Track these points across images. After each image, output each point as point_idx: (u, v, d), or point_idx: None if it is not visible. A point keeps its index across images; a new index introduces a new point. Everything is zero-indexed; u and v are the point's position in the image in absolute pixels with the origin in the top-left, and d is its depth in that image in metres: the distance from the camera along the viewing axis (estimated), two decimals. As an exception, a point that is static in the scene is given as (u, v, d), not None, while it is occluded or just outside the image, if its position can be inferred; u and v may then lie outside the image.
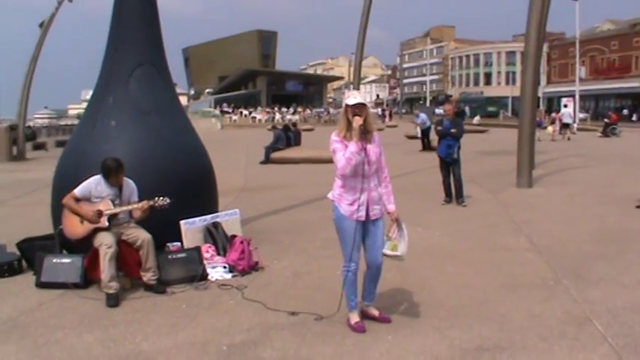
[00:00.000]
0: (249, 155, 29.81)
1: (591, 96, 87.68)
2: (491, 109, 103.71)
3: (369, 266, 6.67)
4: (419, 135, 33.95)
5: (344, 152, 6.26)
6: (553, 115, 45.52)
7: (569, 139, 40.19)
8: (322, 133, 52.61)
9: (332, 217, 6.59)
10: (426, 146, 32.01)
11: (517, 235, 11.11)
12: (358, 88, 35.65)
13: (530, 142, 17.65)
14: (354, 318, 6.65)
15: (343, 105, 6.47)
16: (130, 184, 8.16)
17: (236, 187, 18.20)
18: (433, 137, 27.26)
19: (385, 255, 6.68)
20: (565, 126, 42.28)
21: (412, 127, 41.18)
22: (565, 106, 54.09)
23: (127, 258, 8.00)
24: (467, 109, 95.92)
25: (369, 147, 6.36)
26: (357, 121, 6.24)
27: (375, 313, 6.90)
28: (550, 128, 41.45)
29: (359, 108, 6.31)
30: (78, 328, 6.72)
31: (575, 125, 46.46)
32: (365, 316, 6.85)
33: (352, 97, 6.39)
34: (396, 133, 49.52)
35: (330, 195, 6.59)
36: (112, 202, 7.94)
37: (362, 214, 6.42)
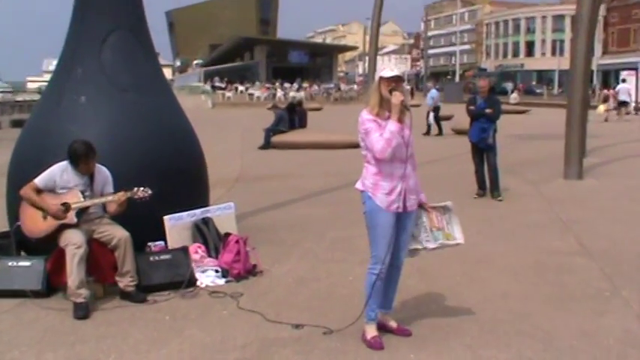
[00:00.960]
0: (245, 139, 29.83)
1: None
2: (507, 84, 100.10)
3: (391, 265, 6.64)
4: (430, 120, 33.27)
5: (380, 132, 6.28)
6: (606, 91, 45.06)
7: (624, 119, 40.21)
8: (332, 114, 52.73)
9: (363, 210, 6.57)
10: (429, 131, 32.06)
11: (565, 236, 11.09)
12: (375, 60, 35.70)
13: (580, 125, 17.53)
14: (372, 332, 6.62)
15: (376, 78, 6.50)
16: (103, 172, 8.12)
17: (230, 176, 18.22)
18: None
19: (442, 246, 6.87)
20: (621, 104, 42.42)
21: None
22: (623, 80, 53.50)
23: (99, 260, 7.96)
24: (509, 85, 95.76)
25: (406, 128, 6.44)
26: (398, 97, 6.28)
27: (394, 325, 6.89)
28: (602, 107, 41.19)
29: (396, 82, 6.36)
30: (38, 346, 6.65)
31: (634, 104, 46.31)
32: (381, 327, 6.82)
33: (389, 70, 6.45)
34: (417, 113, 49.38)
35: (359, 185, 6.59)
36: (82, 193, 7.88)
37: (400, 204, 6.44)
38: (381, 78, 6.41)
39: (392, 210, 6.40)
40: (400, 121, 6.33)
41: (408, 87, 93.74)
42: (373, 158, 6.39)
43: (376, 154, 6.31)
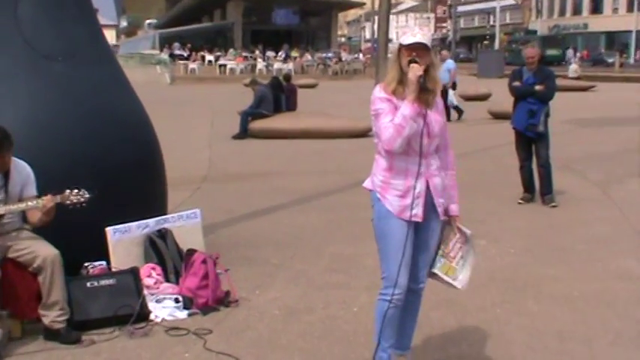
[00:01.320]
0: (216, 125, 29.92)
1: None
2: (552, 52, 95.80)
3: (408, 289, 6.61)
4: (452, 101, 32.18)
5: (392, 116, 6.25)
6: None
7: None
8: (331, 92, 52.78)
9: (371, 215, 6.60)
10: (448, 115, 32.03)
11: (643, 256, 11.13)
12: (387, 21, 35.77)
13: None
14: None
15: (397, 46, 6.49)
16: (22, 169, 8.07)
17: (196, 174, 18.27)
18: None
19: (434, 275, 6.73)
20: None
21: (470, 82, 40.96)
22: None
23: (16, 287, 7.92)
24: (571, 51, 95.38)
25: (431, 113, 6.39)
26: (415, 70, 6.22)
27: None
28: None
29: (418, 51, 6.29)
30: None
31: None
32: None
33: (410, 35, 6.39)
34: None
35: (367, 183, 6.64)
36: (-6, 197, 7.89)
37: (418, 211, 6.41)
38: (400, 46, 6.39)
39: (406, 217, 6.39)
40: (422, 102, 6.28)
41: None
42: (384, 149, 6.39)
43: (384, 145, 6.31)
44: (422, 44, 6.27)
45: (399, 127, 6.16)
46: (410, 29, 6.53)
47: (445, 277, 6.69)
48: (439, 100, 6.55)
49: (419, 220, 6.39)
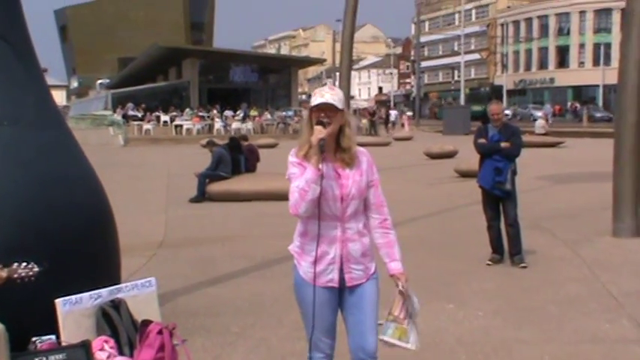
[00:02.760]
0: (172, 188, 29.93)
1: None
2: (476, 108, 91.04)
3: (354, 359, 6.64)
4: None
5: (299, 181, 6.27)
6: None
7: None
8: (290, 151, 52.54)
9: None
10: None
11: (616, 317, 11.15)
12: (349, 77, 35.94)
13: (635, 161, 17.56)
14: None
15: (308, 108, 6.53)
16: (-31, 240, 8.07)
17: (151, 240, 18.19)
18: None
19: (386, 343, 6.66)
20: None
21: (436, 139, 41.16)
22: None
23: (-37, 364, 7.90)
24: (548, 107, 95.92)
25: (346, 173, 6.40)
26: (317, 133, 6.21)
27: None
28: None
29: (327, 112, 6.29)
30: None
31: None
32: None
33: (318, 96, 6.37)
34: (411, 148, 49.78)
35: (291, 247, 6.68)
36: None
37: (333, 277, 6.45)
38: (310, 108, 6.41)
39: (321, 284, 6.42)
40: (339, 163, 6.39)
41: (405, 114, 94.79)
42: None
43: (290, 210, 6.31)
44: (329, 104, 6.26)
45: (302, 192, 6.15)
46: (319, 90, 6.51)
47: (399, 343, 6.62)
48: (364, 158, 6.51)
49: (334, 285, 6.44)
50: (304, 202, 6.15)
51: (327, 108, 6.25)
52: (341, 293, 6.50)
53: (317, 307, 6.36)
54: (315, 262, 6.35)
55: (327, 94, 6.31)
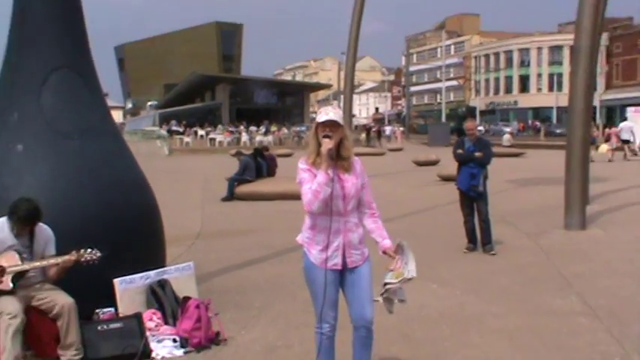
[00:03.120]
0: (207, 190, 29.80)
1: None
2: (452, 124, 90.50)
3: (356, 326, 6.77)
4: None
5: (312, 184, 6.39)
6: (607, 130, 46.20)
7: (628, 159, 42.68)
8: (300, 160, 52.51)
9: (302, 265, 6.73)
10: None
11: (566, 294, 11.13)
12: (351, 99, 35.97)
13: (582, 168, 17.61)
14: None
15: (314, 124, 6.63)
16: (44, 232, 8.08)
17: (190, 232, 18.14)
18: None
19: (389, 285, 6.79)
20: (625, 143, 44.16)
21: (422, 150, 41.12)
22: (625, 119, 54.77)
23: (39, 331, 7.91)
24: (515, 124, 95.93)
25: (346, 177, 6.54)
26: (326, 144, 6.36)
27: None
28: (605, 147, 42.30)
29: (331, 127, 6.42)
30: None
31: (638, 142, 47.50)
32: None
33: (323, 114, 6.52)
34: (401, 158, 49.70)
35: (299, 238, 6.78)
36: (20, 255, 7.84)
37: (337, 261, 6.59)
38: (316, 124, 6.54)
39: (328, 267, 6.55)
40: (339, 169, 6.51)
41: (396, 129, 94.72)
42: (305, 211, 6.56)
43: (305, 207, 6.47)
44: (333, 121, 6.41)
45: (316, 192, 6.33)
46: (324, 109, 6.63)
47: (395, 281, 6.75)
48: (358, 163, 6.66)
49: (338, 268, 6.58)
50: (317, 201, 6.31)
51: (331, 124, 6.39)
52: (342, 274, 6.61)
53: (320, 286, 6.52)
54: (327, 249, 6.49)
55: (331, 113, 6.46)
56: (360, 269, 6.68)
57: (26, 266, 7.81)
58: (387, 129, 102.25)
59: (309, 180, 6.42)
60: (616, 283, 11.78)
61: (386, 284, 6.77)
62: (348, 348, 6.77)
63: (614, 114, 79.03)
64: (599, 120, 65.32)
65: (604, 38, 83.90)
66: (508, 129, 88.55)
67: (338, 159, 6.46)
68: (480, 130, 52.62)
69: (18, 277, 7.77)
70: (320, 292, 6.55)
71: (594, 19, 17.40)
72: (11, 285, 7.70)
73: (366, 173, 6.74)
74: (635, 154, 45.41)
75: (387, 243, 6.76)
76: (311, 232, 6.61)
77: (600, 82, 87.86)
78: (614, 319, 9.60)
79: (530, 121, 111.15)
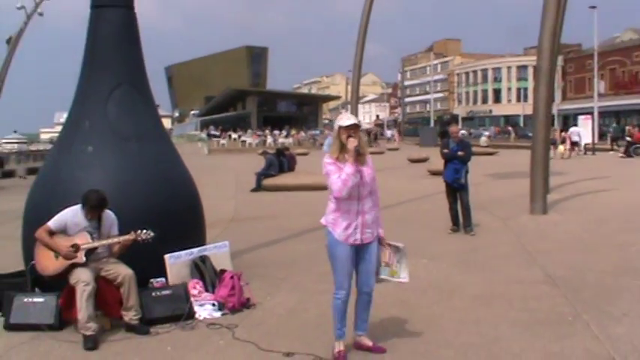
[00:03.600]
0: (239, 182, 29.79)
1: (611, 112, 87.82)
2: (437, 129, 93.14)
3: (360, 292, 6.95)
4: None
5: (339, 174, 6.51)
6: (563, 134, 47.53)
7: (578, 155, 45.29)
8: (318, 158, 52.58)
9: (325, 242, 6.80)
10: None
11: (531, 267, 11.14)
12: (356, 108, 35.94)
13: (544, 165, 17.70)
14: (338, 346, 6.87)
15: (336, 126, 6.74)
16: (109, 216, 8.17)
17: (225, 217, 18.20)
18: None
19: (383, 280, 7.03)
20: (574, 144, 46.76)
21: (415, 150, 41.12)
22: (574, 125, 57.40)
23: (106, 296, 7.98)
24: (492, 129, 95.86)
25: (364, 169, 6.66)
26: (352, 143, 6.53)
27: (369, 343, 7.10)
28: (561, 147, 43.51)
29: (353, 129, 6.59)
30: (52, 374, 6.68)
31: (584, 143, 49.74)
32: (359, 347, 7.06)
33: (346, 119, 6.70)
34: (398, 156, 49.62)
35: (323, 220, 6.83)
36: (91, 235, 7.94)
37: (357, 237, 6.68)
38: (339, 127, 6.66)
39: (349, 243, 6.66)
40: (358, 162, 6.61)
41: (396, 131, 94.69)
42: (333, 196, 6.64)
43: (334, 193, 6.58)
44: (355, 124, 6.63)
45: (345, 181, 6.47)
46: (345, 115, 6.92)
47: (392, 279, 7.02)
48: (370, 160, 6.80)
49: (358, 243, 6.69)
50: (346, 188, 6.47)
51: (353, 127, 6.59)
52: (357, 249, 6.72)
53: (344, 259, 6.68)
54: (348, 228, 6.63)
55: (352, 118, 6.72)
56: (370, 246, 6.81)
57: (96, 244, 7.91)
58: (388, 132, 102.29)
59: (336, 171, 6.56)
60: (570, 257, 11.78)
61: (382, 279, 7.02)
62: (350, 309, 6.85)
63: (569, 121, 78.94)
64: (557, 125, 65.23)
65: (560, 60, 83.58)
66: (486, 133, 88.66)
67: (357, 154, 6.57)
68: (463, 133, 53.33)
69: (89, 252, 7.87)
70: (341, 265, 6.70)
71: (552, 45, 17.47)
72: (84, 259, 7.80)
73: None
74: (583, 152, 47.88)
75: (380, 232, 6.93)
76: (335, 214, 6.68)
77: (558, 95, 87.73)
78: (568, 286, 9.61)
79: (503, 126, 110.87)
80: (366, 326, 7.09)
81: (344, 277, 6.74)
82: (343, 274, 6.74)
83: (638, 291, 9.29)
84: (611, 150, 51.50)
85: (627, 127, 61.79)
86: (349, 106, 42.51)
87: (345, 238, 6.66)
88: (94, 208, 7.91)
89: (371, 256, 6.85)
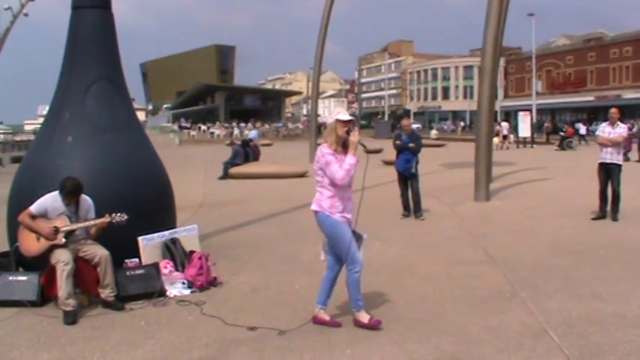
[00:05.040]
0: (207, 171, 29.67)
1: (547, 110, 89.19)
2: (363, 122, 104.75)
3: (334, 269, 7.10)
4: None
5: (340, 164, 6.66)
6: (496, 127, 48.58)
7: (507, 148, 47.00)
8: (281, 148, 52.75)
9: (322, 230, 6.92)
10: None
11: (474, 248, 11.26)
12: (316, 103, 35.97)
13: (487, 156, 17.89)
14: (367, 316, 7.02)
15: (332, 120, 6.79)
16: (87, 201, 8.13)
17: (194, 202, 18.13)
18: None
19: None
20: (505, 137, 49.10)
21: (370, 141, 41.20)
22: (505, 120, 60.76)
23: (84, 275, 7.95)
24: (447, 123, 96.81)
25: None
26: (356, 136, 6.70)
27: (327, 317, 7.17)
28: (496, 139, 44.76)
29: (350, 123, 6.75)
30: (35, 347, 6.65)
31: (512, 137, 52.04)
32: (317, 322, 7.11)
33: (342, 114, 6.80)
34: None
35: (315, 207, 6.88)
36: (69, 218, 7.91)
37: (350, 219, 6.92)
38: (337, 120, 6.71)
39: (345, 222, 6.81)
40: (345, 154, 6.74)
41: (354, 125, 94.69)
42: (330, 184, 6.74)
43: (337, 182, 6.67)
44: (352, 119, 6.82)
45: (349, 171, 6.67)
46: (341, 110, 6.99)
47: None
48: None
49: (351, 223, 6.91)
50: (348, 177, 6.68)
51: (350, 121, 6.74)
52: None
53: (349, 235, 6.78)
54: (344, 211, 6.84)
55: (348, 113, 6.88)
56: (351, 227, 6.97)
57: (74, 226, 7.87)
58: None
59: (335, 162, 6.68)
60: (510, 240, 11.92)
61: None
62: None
63: (510, 116, 79.82)
64: (499, 120, 66.12)
65: (502, 61, 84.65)
66: (436, 127, 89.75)
67: (344, 146, 6.77)
68: (417, 127, 54.38)
69: (68, 234, 7.85)
70: (349, 241, 6.77)
71: (495, 47, 17.65)
72: (64, 240, 7.78)
73: None
74: (513, 144, 50.44)
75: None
76: (332, 200, 6.78)
77: (500, 93, 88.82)
78: (507, 266, 9.74)
79: (449, 122, 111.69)
80: (325, 301, 7.16)
81: (355, 251, 6.83)
82: (354, 249, 6.82)
83: (569, 270, 9.45)
84: (533, 144, 52.39)
85: (545, 124, 63.91)
86: (310, 101, 42.53)
87: (342, 219, 6.80)
88: (70, 194, 7.87)
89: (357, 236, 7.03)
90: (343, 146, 6.79)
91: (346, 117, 6.75)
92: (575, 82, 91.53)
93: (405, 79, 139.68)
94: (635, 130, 40.51)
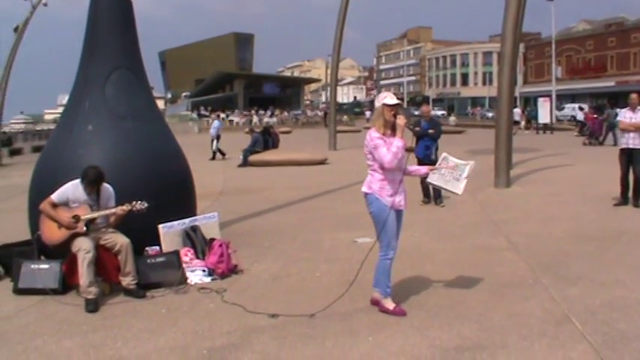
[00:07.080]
0: (227, 158, 29.76)
1: (568, 95, 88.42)
2: (357, 109, 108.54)
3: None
4: (214, 148, 31.26)
5: (387, 147, 6.69)
6: None
7: (514, 133, 45.10)
8: (300, 136, 52.74)
9: (369, 210, 6.98)
10: (214, 157, 30.49)
11: (495, 235, 11.18)
12: (335, 90, 35.89)
13: (507, 142, 17.73)
14: (392, 303, 7.05)
15: (379, 104, 6.88)
16: (107, 190, 8.14)
17: (214, 190, 18.17)
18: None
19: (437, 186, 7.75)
20: (515, 123, 47.87)
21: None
22: (515, 106, 57.94)
23: (105, 263, 7.97)
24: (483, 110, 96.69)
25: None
26: (403, 119, 6.74)
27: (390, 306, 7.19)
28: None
29: (398, 107, 6.80)
30: (57, 335, 6.68)
31: (523, 123, 52.94)
32: (375, 304, 7.20)
33: (390, 98, 6.85)
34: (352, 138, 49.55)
35: (365, 189, 6.96)
36: (90, 207, 7.92)
37: (402, 202, 7.00)
38: (384, 105, 6.78)
39: (395, 207, 6.85)
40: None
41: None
42: (380, 167, 6.79)
43: (385, 164, 6.70)
44: (399, 103, 6.83)
45: (396, 153, 6.68)
46: (388, 94, 6.99)
47: (447, 187, 7.84)
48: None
49: (403, 208, 7.02)
50: (396, 159, 6.71)
51: (397, 105, 6.79)
52: (397, 213, 7.00)
53: (391, 223, 6.89)
54: (395, 195, 6.87)
55: (395, 98, 6.90)
56: (403, 212, 7.12)
57: (95, 214, 7.89)
58: (367, 113, 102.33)
59: (384, 145, 6.71)
60: (531, 226, 11.84)
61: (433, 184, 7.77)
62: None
63: (530, 102, 79.24)
64: (519, 106, 65.68)
65: (521, 47, 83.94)
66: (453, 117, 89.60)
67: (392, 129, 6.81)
68: (437, 114, 54.74)
69: (89, 223, 7.86)
70: (390, 228, 6.88)
71: (514, 33, 17.47)
72: (85, 229, 7.80)
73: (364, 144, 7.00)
74: (523, 130, 51.07)
75: (424, 169, 7.71)
76: (382, 182, 6.83)
77: (519, 78, 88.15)
78: (529, 253, 9.67)
79: (470, 108, 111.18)
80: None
81: (392, 238, 6.93)
82: (392, 236, 6.92)
83: (591, 257, 9.37)
84: (527, 129, 52.83)
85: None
86: (329, 88, 42.44)
87: (392, 204, 6.82)
88: (92, 183, 7.88)
89: (402, 220, 7.15)
90: (392, 129, 6.82)
91: (393, 101, 6.80)
92: (596, 67, 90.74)
93: (424, 65, 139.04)
94: None
